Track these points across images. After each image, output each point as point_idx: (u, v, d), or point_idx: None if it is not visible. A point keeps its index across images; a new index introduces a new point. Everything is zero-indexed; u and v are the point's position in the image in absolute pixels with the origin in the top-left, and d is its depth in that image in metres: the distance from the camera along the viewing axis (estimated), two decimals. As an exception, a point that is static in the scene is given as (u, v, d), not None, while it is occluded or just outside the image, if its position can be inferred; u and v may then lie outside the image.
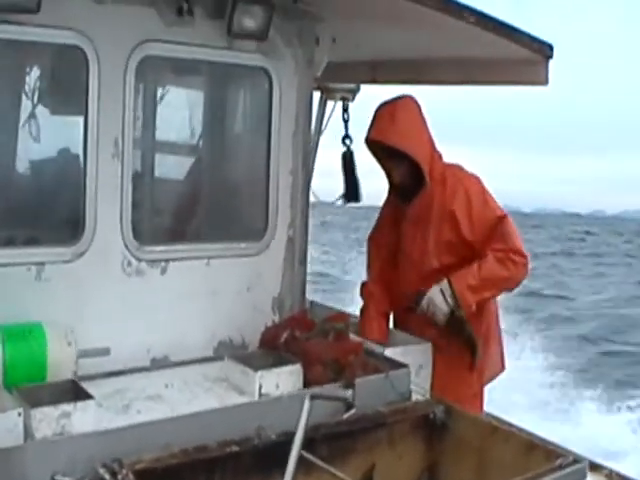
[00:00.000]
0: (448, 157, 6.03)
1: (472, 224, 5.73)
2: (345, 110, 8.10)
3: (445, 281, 5.66)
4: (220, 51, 5.27)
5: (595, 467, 4.97)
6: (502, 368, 6.38)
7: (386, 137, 5.77)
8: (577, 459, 4.15)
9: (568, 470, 4.05)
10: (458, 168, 6.02)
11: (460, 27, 5.30)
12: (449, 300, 5.62)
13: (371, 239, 6.49)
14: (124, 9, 4.79)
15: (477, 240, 5.72)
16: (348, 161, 8.01)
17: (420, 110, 5.94)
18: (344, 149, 8.00)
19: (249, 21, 5.13)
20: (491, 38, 5.52)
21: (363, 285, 6.37)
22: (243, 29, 5.15)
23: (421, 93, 6.07)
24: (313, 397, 3.66)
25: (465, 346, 5.87)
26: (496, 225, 5.69)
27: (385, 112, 5.87)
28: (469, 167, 6.00)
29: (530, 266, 5.74)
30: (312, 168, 8.02)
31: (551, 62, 5.97)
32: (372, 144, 5.97)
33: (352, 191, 8.03)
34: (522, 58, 5.97)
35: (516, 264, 5.61)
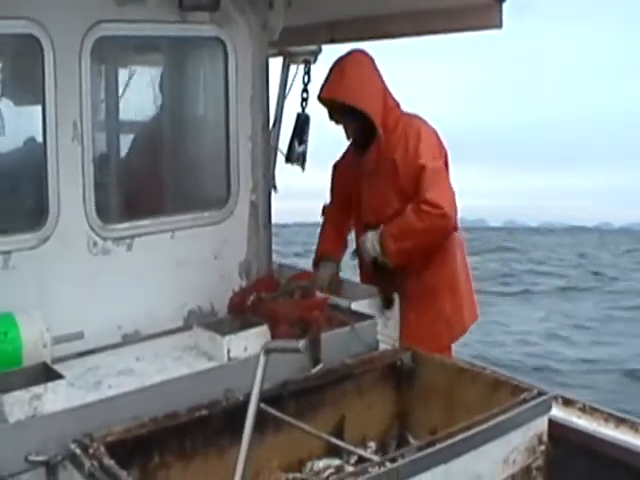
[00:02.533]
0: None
1: (404, 172, 5.85)
2: (307, 73, 8.12)
3: (380, 229, 5.82)
4: (173, 25, 5.30)
5: (568, 402, 5.06)
6: (473, 319, 6.41)
7: (335, 94, 5.89)
8: (541, 392, 4.24)
9: (532, 403, 4.14)
10: (413, 117, 6.08)
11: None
12: (376, 245, 5.78)
13: (334, 170, 6.63)
14: None
15: (408, 190, 5.83)
16: (301, 123, 8.07)
17: (371, 62, 6.02)
18: (300, 110, 8.07)
19: (200, -7, 5.11)
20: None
21: (324, 207, 6.64)
22: (194, 1, 5.20)
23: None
24: (267, 351, 3.73)
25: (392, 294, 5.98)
26: (418, 174, 5.75)
27: (335, 69, 5.96)
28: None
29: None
30: (278, 133, 8.10)
31: (504, 5, 6.00)
32: (325, 102, 6.07)
33: (293, 154, 8.13)
34: (476, 4, 6.01)
35: (432, 215, 5.62)
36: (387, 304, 5.91)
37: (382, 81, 6.03)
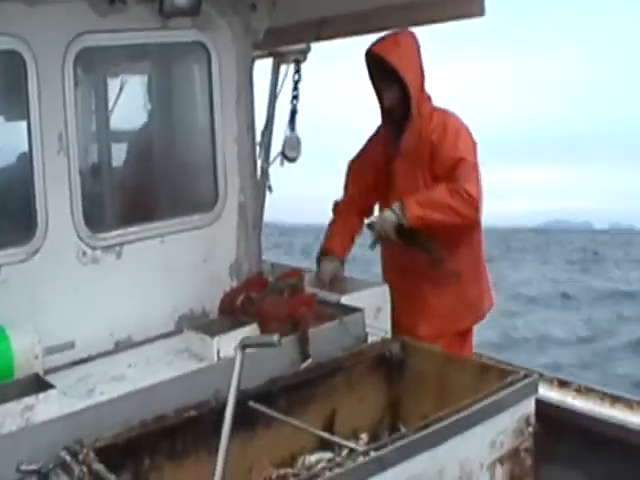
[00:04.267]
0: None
1: (439, 158, 5.88)
2: (297, 71, 8.15)
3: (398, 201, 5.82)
4: (156, 32, 5.34)
5: (564, 384, 5.10)
6: (491, 305, 6.47)
7: (387, 54, 5.88)
8: (527, 374, 4.28)
9: (518, 385, 4.19)
10: (447, 111, 6.12)
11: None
12: (397, 211, 5.72)
13: (352, 164, 6.58)
14: (56, 7, 4.84)
15: (441, 176, 5.86)
16: (292, 116, 8.11)
17: (419, 47, 6.07)
18: (291, 107, 8.09)
19: (180, -1, 5.18)
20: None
21: (335, 204, 6.55)
22: (175, 7, 5.18)
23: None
24: (244, 346, 3.77)
25: (426, 255, 6.01)
26: (455, 165, 5.78)
27: (389, 37, 6.01)
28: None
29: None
30: (271, 133, 8.14)
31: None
32: (371, 61, 6.07)
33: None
34: (458, -7, 6.01)
35: (464, 200, 5.67)
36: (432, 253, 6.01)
37: (423, 68, 6.08)
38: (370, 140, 6.52)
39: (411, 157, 6.03)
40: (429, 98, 6.10)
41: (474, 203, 5.73)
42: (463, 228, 5.95)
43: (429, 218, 5.75)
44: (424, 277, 6.08)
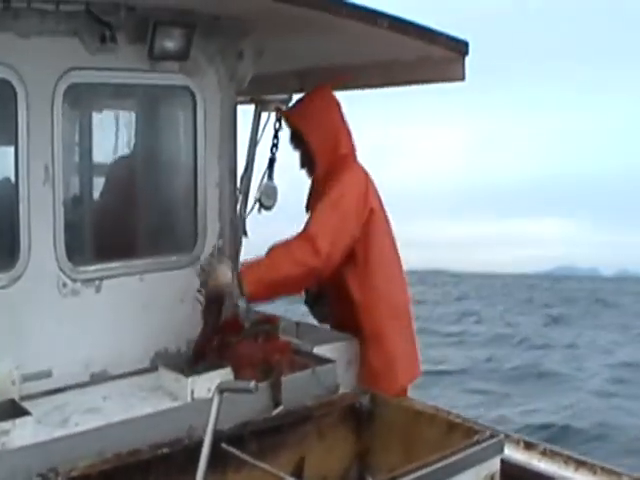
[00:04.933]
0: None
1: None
2: (278, 120, 8.25)
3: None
4: (144, 74, 5.43)
5: (530, 445, 5.18)
6: (411, 376, 6.14)
7: (292, 116, 6.17)
8: (493, 434, 4.38)
9: (484, 445, 4.29)
10: (351, 165, 6.10)
11: (377, 33, 5.51)
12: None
13: None
14: (48, 41, 4.92)
15: None
16: (270, 164, 8.19)
17: (335, 103, 6.19)
18: (270, 156, 8.18)
19: (170, 43, 5.30)
20: (407, 41, 5.75)
21: None
22: (164, 51, 5.31)
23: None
24: (221, 390, 3.85)
25: None
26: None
27: (300, 98, 6.31)
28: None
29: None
30: (249, 178, 8.20)
31: (467, 58, 6.19)
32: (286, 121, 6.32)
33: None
34: (440, 57, 6.19)
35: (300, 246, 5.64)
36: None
37: (340, 125, 6.14)
38: None
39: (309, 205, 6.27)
40: (350, 153, 6.14)
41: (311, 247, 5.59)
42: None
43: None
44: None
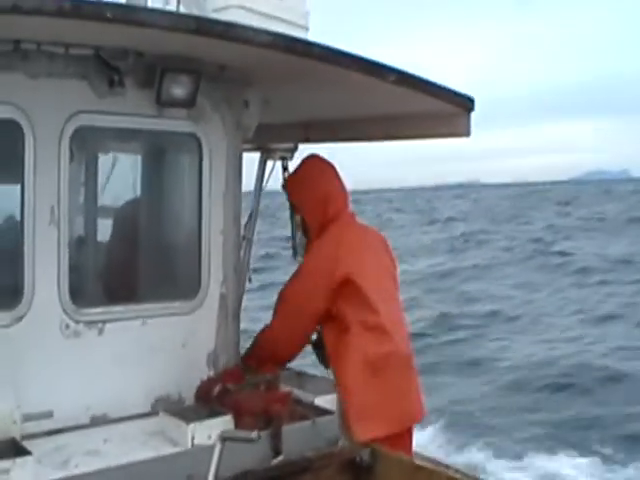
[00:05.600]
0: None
1: None
2: (285, 169, 8.30)
3: None
4: (151, 119, 5.46)
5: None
6: (386, 429, 5.75)
7: (288, 190, 6.55)
8: (494, 494, 4.38)
9: (484, 501, 4.28)
10: (338, 227, 6.26)
11: (383, 86, 5.55)
12: None
13: None
14: (57, 83, 4.96)
15: None
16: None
17: (323, 169, 6.43)
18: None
19: (177, 90, 5.33)
20: (412, 95, 5.78)
21: None
22: (171, 98, 5.34)
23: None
24: (224, 439, 3.86)
25: None
26: None
27: (294, 171, 6.69)
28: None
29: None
30: (254, 225, 8.23)
31: (472, 114, 6.25)
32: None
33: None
34: (444, 112, 6.24)
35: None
36: None
37: (329, 189, 6.35)
38: None
39: None
40: (332, 217, 6.28)
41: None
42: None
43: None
44: None
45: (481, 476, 4.92)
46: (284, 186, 6.68)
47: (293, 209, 6.69)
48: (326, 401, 5.62)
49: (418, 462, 4.87)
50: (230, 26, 4.81)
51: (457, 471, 4.73)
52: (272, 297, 6.43)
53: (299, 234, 7.37)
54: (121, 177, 6.02)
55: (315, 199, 6.25)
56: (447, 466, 4.79)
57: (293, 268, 6.48)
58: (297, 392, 5.67)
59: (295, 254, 7.96)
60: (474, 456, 15.49)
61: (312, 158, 6.52)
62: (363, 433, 5.56)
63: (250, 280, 7.86)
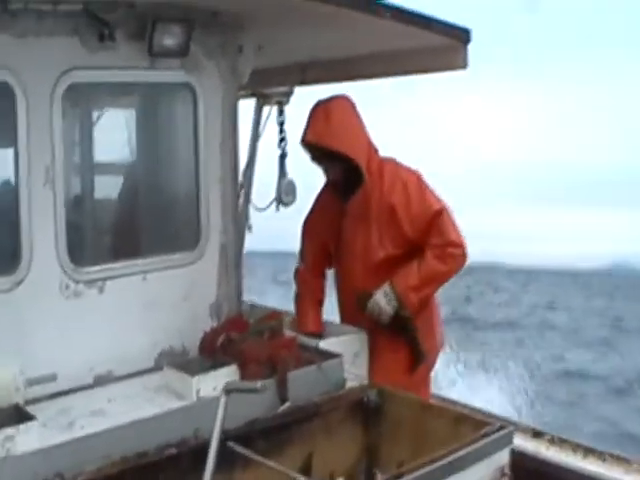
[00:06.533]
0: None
1: (411, 220, 5.93)
2: (280, 113, 8.24)
3: (387, 284, 5.89)
4: (144, 71, 5.39)
5: (538, 434, 5.18)
6: (439, 353, 6.47)
7: (321, 139, 5.97)
8: (502, 426, 4.37)
9: (493, 437, 4.28)
10: (395, 162, 6.18)
11: (379, 23, 5.49)
12: (393, 302, 5.85)
13: (305, 225, 6.68)
14: (46, 40, 4.88)
15: (416, 236, 5.93)
16: (282, 161, 8.18)
17: (354, 108, 6.13)
18: (280, 152, 8.16)
19: (169, 40, 5.26)
20: (409, 30, 5.74)
21: (297, 271, 6.63)
22: (164, 48, 5.27)
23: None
24: (227, 391, 3.84)
25: (409, 346, 6.04)
26: (433, 219, 5.88)
27: (320, 113, 6.04)
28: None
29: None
30: (252, 173, 8.21)
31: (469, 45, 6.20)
32: (309, 146, 6.15)
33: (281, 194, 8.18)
34: (441, 45, 6.20)
35: (454, 257, 5.88)
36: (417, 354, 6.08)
37: (364, 127, 6.16)
38: (318, 199, 6.64)
39: (362, 217, 6.12)
40: (376, 151, 6.19)
41: (464, 252, 5.91)
42: None
43: (428, 295, 6.01)
44: (380, 331, 6.07)
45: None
46: (316, 135, 6.05)
47: (327, 159, 6.15)
48: (331, 344, 5.61)
49: (426, 400, 4.86)
50: None
51: (465, 407, 4.71)
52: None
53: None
54: (116, 132, 5.94)
55: (361, 136, 6.10)
56: (456, 404, 4.77)
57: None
58: (301, 337, 5.68)
59: (279, 205, 7.94)
60: None
61: (342, 98, 6.15)
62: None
63: (250, 229, 7.85)
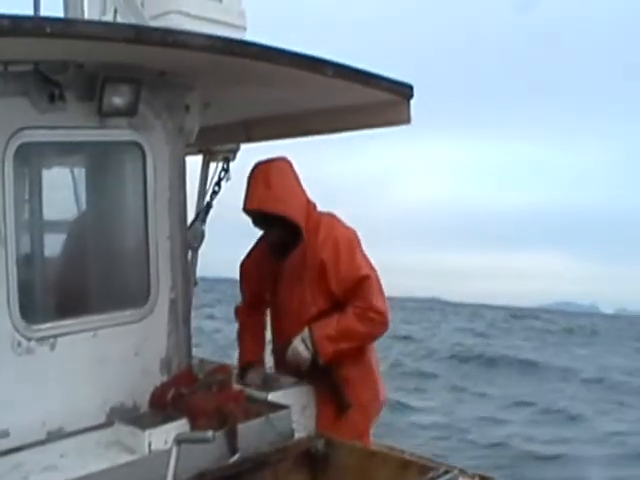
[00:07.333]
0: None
1: (338, 279, 6.05)
2: (225, 170, 8.36)
3: (306, 330, 5.99)
4: (93, 131, 5.48)
5: (485, 479, 5.29)
6: (383, 403, 6.51)
7: (264, 205, 6.05)
8: (447, 470, 4.49)
9: (438, 481, 4.38)
10: (332, 218, 6.31)
11: (322, 80, 5.65)
12: (309, 347, 5.95)
13: (242, 267, 6.79)
14: None
15: (342, 294, 6.05)
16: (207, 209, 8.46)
17: (292, 169, 6.24)
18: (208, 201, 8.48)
19: (118, 99, 5.36)
20: (352, 87, 5.89)
21: (237, 309, 6.84)
22: (113, 108, 5.38)
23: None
24: (179, 442, 3.92)
25: (334, 393, 6.11)
26: (359, 283, 6.00)
27: (259, 178, 6.11)
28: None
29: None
30: (199, 229, 8.28)
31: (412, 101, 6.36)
32: (249, 211, 6.22)
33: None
34: (385, 101, 6.36)
35: (373, 322, 5.99)
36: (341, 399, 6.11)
37: (302, 186, 6.27)
38: (257, 244, 6.73)
39: (298, 278, 6.23)
40: (314, 207, 6.31)
41: (385, 320, 6.01)
42: None
43: (343, 349, 6.02)
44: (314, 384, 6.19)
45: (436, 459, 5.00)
46: (258, 201, 6.09)
47: (269, 223, 6.23)
48: (279, 397, 5.71)
49: (372, 447, 4.95)
50: (168, 32, 4.89)
51: (412, 454, 4.82)
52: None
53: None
54: (66, 190, 6.01)
55: (300, 197, 6.20)
56: (402, 450, 4.87)
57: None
58: (249, 390, 5.77)
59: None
60: None
61: (279, 161, 6.24)
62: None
63: (196, 283, 7.95)
